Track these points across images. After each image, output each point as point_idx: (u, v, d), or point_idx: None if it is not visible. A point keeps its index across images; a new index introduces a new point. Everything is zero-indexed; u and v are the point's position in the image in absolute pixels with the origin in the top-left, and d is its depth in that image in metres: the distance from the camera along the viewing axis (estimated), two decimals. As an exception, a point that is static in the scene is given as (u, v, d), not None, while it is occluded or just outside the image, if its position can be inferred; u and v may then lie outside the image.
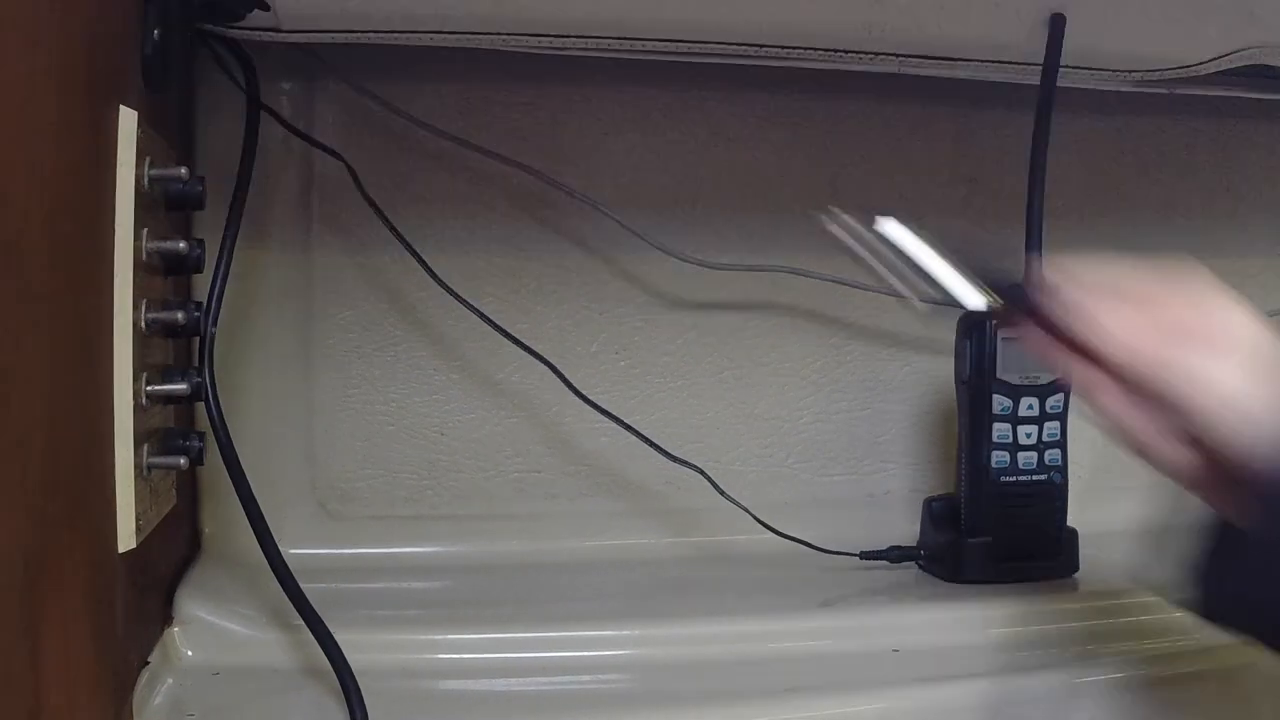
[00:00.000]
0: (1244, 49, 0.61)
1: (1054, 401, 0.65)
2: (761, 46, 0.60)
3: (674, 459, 0.68)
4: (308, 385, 0.68)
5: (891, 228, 0.42)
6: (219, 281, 0.56)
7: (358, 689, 0.52)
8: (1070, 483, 0.66)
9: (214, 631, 0.57)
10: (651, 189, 0.71)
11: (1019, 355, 0.64)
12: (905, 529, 0.72)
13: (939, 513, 0.69)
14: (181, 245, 0.49)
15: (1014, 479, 0.65)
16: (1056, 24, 0.59)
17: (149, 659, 0.53)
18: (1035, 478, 0.65)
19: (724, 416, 0.74)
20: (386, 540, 0.68)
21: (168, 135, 0.54)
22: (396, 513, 0.69)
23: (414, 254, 0.64)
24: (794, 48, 0.60)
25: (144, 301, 0.45)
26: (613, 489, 0.72)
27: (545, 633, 0.60)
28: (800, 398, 0.75)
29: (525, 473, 0.71)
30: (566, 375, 0.67)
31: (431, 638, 0.59)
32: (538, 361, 0.67)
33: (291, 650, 0.57)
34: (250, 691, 0.53)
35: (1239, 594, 0.37)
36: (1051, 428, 0.65)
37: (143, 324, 0.45)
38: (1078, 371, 0.41)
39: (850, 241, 0.43)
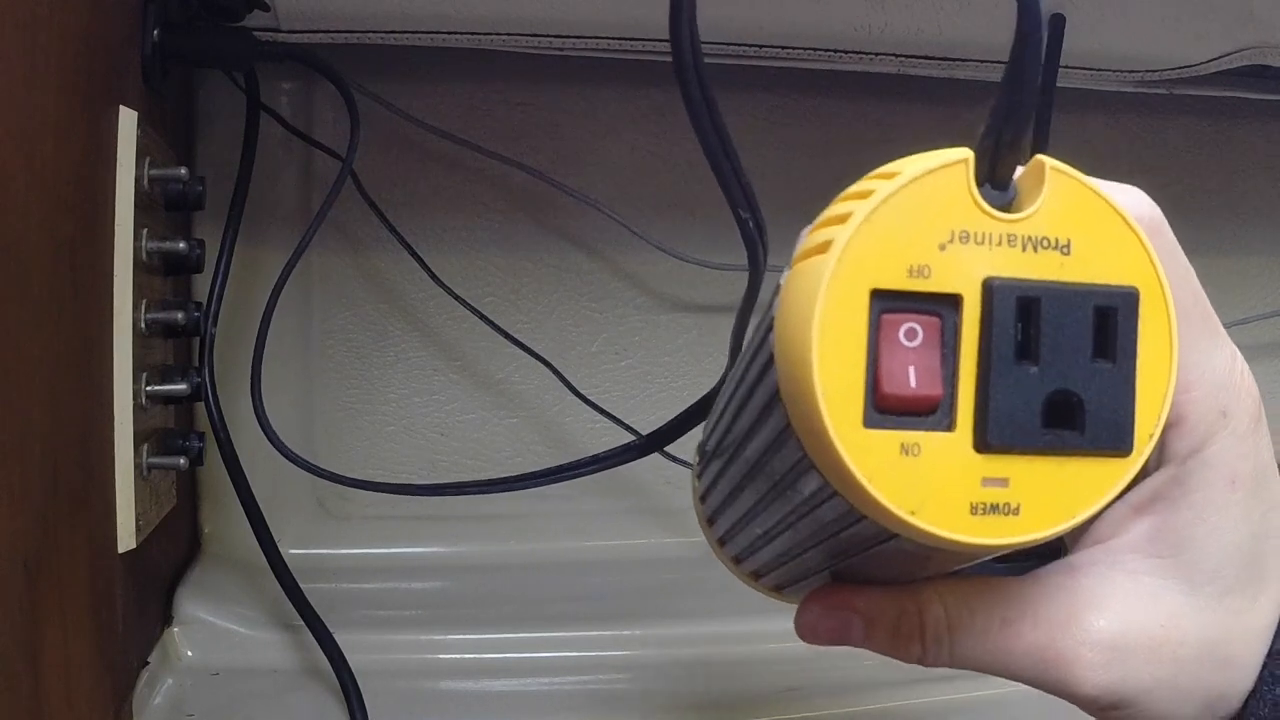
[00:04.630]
0: (1244, 49, 0.61)
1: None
2: (761, 47, 0.60)
3: (674, 459, 0.68)
4: (308, 385, 0.68)
5: None
6: (219, 281, 0.56)
7: (358, 689, 0.52)
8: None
9: (214, 631, 0.57)
10: (651, 189, 0.71)
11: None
12: (905, 529, 0.72)
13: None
14: (181, 245, 0.49)
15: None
16: (1056, 24, 0.59)
17: (149, 659, 0.53)
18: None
19: (724, 416, 0.74)
20: (386, 540, 0.68)
21: (168, 135, 0.54)
22: (396, 513, 0.69)
23: (414, 254, 0.64)
24: (794, 48, 0.60)
25: (144, 301, 0.45)
26: (613, 489, 0.72)
27: (545, 633, 0.60)
28: (800, 398, 0.75)
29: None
30: (566, 375, 0.67)
31: (431, 638, 0.59)
32: (538, 361, 0.67)
33: (291, 650, 0.57)
34: (250, 691, 0.53)
35: None
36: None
37: (143, 324, 0.45)
38: None
39: None
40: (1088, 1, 0.57)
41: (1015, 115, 0.22)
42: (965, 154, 0.22)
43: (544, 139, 0.69)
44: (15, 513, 0.34)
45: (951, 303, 0.22)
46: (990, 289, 0.22)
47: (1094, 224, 0.22)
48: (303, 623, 0.55)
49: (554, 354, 0.67)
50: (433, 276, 0.64)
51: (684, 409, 0.40)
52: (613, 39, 0.58)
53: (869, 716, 0.54)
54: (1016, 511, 0.22)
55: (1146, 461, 0.23)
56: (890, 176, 0.22)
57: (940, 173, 0.22)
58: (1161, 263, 0.23)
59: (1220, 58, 0.62)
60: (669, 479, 0.71)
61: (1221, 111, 0.78)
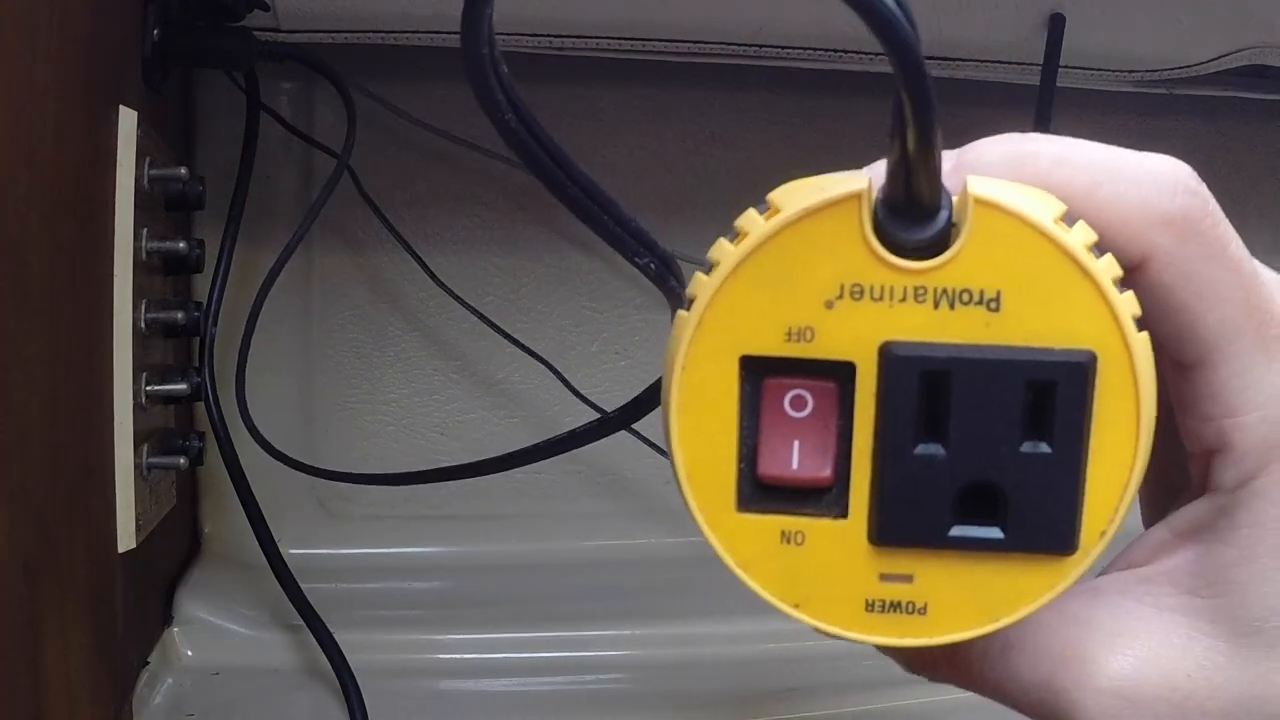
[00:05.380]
0: (1244, 49, 0.61)
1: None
2: (761, 46, 0.60)
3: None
4: (308, 385, 0.68)
5: None
6: (219, 281, 0.56)
7: (358, 689, 0.52)
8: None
9: (214, 631, 0.57)
10: (651, 189, 0.71)
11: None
12: (905, 529, 0.72)
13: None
14: (181, 245, 0.49)
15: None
16: (1056, 24, 0.59)
17: (149, 659, 0.53)
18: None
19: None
20: (386, 540, 0.68)
21: (168, 135, 0.54)
22: (396, 513, 0.69)
23: (413, 254, 0.64)
24: (794, 48, 0.60)
25: (144, 301, 0.45)
26: (613, 489, 0.72)
27: (545, 633, 0.60)
28: (800, 398, 0.74)
29: (525, 473, 0.71)
30: (566, 375, 0.67)
31: (431, 638, 0.59)
32: (538, 361, 0.67)
33: (291, 650, 0.57)
34: (250, 691, 0.53)
35: None
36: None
37: (143, 324, 0.45)
38: None
39: None
40: (1088, 1, 0.57)
41: (920, 116, 0.17)
42: (860, 184, 0.18)
43: (544, 139, 0.69)
44: (15, 513, 0.34)
45: (845, 371, 0.18)
46: (887, 359, 0.18)
47: (1033, 270, 0.18)
48: (303, 623, 0.55)
49: (554, 354, 0.67)
50: (432, 277, 0.64)
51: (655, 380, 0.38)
52: (613, 39, 0.58)
53: (869, 716, 0.54)
54: (923, 611, 0.19)
55: (1094, 561, 0.19)
56: (772, 213, 0.18)
57: (826, 213, 0.18)
58: (1201, 262, 0.19)
59: (1220, 58, 0.62)
60: (669, 479, 0.71)
61: (1221, 111, 0.78)
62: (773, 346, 0.18)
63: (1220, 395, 0.20)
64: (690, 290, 0.19)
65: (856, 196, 0.18)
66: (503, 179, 0.68)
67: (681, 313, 0.19)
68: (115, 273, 0.43)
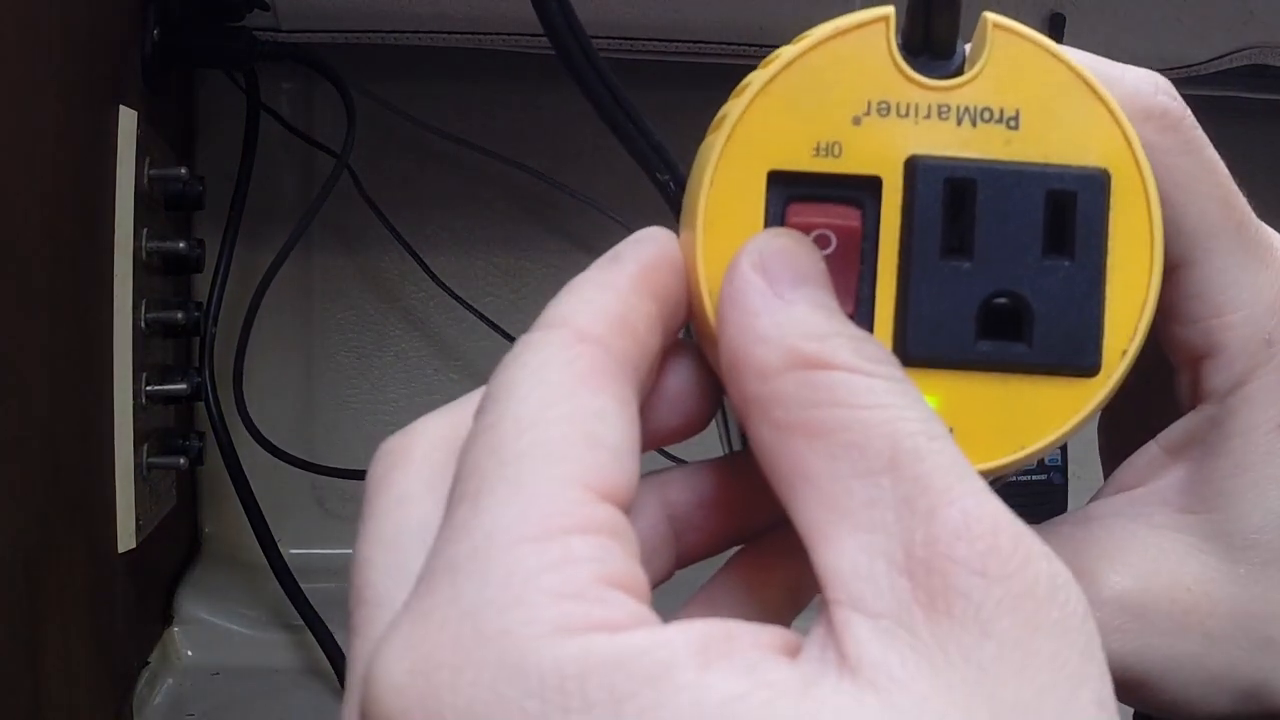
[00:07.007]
0: (1244, 49, 0.61)
1: (1054, 401, 0.65)
2: (761, 46, 0.60)
3: (672, 459, 0.68)
4: (308, 385, 0.68)
5: None
6: (219, 281, 0.56)
7: (358, 689, 0.52)
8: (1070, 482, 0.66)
9: (214, 631, 0.57)
10: (651, 189, 0.70)
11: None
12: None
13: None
14: (181, 245, 0.49)
15: (1012, 479, 0.65)
16: (1056, 24, 0.59)
17: (149, 659, 0.53)
18: (1034, 478, 0.65)
19: (724, 416, 0.74)
20: (386, 540, 0.68)
21: (168, 135, 0.54)
22: (396, 513, 0.69)
23: (414, 254, 0.64)
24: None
25: (144, 301, 0.45)
26: (613, 489, 0.71)
27: (545, 633, 0.60)
28: (800, 398, 0.74)
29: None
30: (566, 375, 0.67)
31: (431, 638, 0.59)
32: (538, 361, 0.67)
33: (291, 650, 0.57)
34: (250, 691, 0.53)
35: None
36: (1051, 427, 0.65)
37: (143, 324, 0.45)
38: None
39: None
40: (1088, 1, 0.57)
41: None
42: (887, 11, 0.19)
43: (544, 139, 0.69)
44: (15, 513, 0.34)
45: (871, 187, 0.18)
46: (913, 169, 0.18)
47: (1050, 92, 0.18)
48: (303, 623, 0.55)
49: (554, 354, 0.67)
50: (433, 276, 0.64)
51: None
52: (613, 39, 0.58)
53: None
54: None
55: (1121, 385, 0.18)
56: (799, 41, 0.19)
57: (855, 34, 0.18)
58: (1180, 154, 0.20)
59: (1220, 58, 0.62)
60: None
61: (1221, 111, 0.78)
62: (801, 161, 0.18)
63: (1205, 295, 0.21)
64: (721, 111, 0.19)
65: (884, 19, 0.18)
66: (503, 179, 0.68)
67: (709, 137, 0.19)
68: (115, 273, 0.43)
